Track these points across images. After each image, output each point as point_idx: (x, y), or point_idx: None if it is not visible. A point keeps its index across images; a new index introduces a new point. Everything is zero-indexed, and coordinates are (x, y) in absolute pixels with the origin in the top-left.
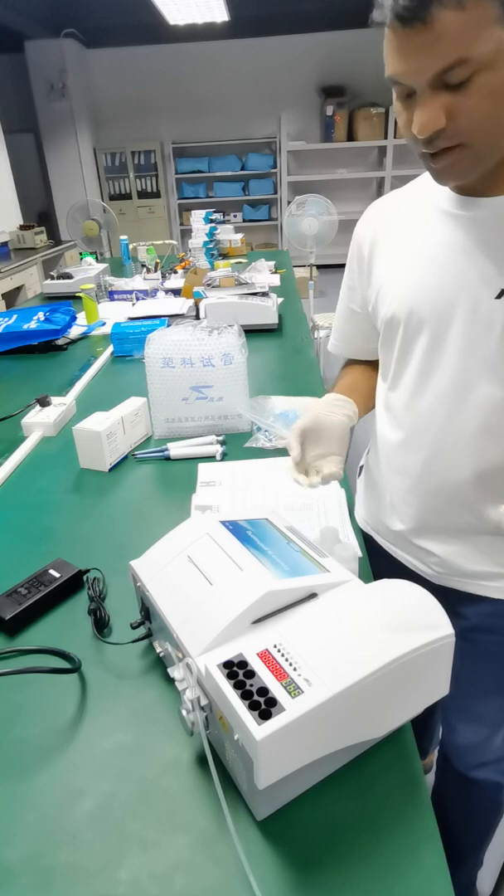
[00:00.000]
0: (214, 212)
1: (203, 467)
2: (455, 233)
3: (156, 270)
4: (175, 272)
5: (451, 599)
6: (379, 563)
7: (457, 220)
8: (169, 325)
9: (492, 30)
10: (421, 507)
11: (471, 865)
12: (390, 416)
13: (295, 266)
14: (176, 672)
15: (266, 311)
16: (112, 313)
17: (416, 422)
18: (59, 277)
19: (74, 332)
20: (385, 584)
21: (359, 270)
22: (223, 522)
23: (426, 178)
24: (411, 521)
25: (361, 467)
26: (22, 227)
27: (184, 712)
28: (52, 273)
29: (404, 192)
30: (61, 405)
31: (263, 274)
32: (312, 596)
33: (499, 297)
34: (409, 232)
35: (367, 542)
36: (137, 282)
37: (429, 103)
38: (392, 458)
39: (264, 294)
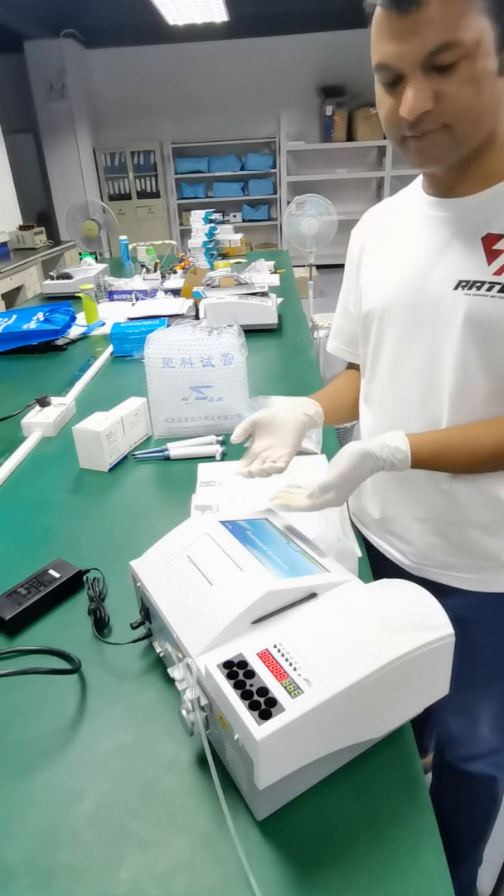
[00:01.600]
0: (214, 212)
1: (203, 467)
2: (428, 232)
3: (155, 270)
4: (174, 272)
5: (432, 591)
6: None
7: (429, 221)
8: (168, 326)
9: (477, 18)
10: (397, 495)
11: (470, 863)
12: (369, 408)
13: (294, 266)
14: (176, 672)
15: (266, 311)
16: (112, 313)
17: (391, 411)
18: (58, 278)
19: (74, 332)
20: (385, 584)
21: (351, 272)
22: (223, 522)
23: (413, 184)
24: (388, 508)
25: None
26: (21, 228)
27: (184, 712)
28: (51, 273)
29: (398, 198)
30: (61, 405)
31: (263, 274)
32: (312, 596)
33: (456, 287)
34: (394, 234)
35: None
36: (137, 282)
37: (419, 85)
38: None
39: (264, 294)
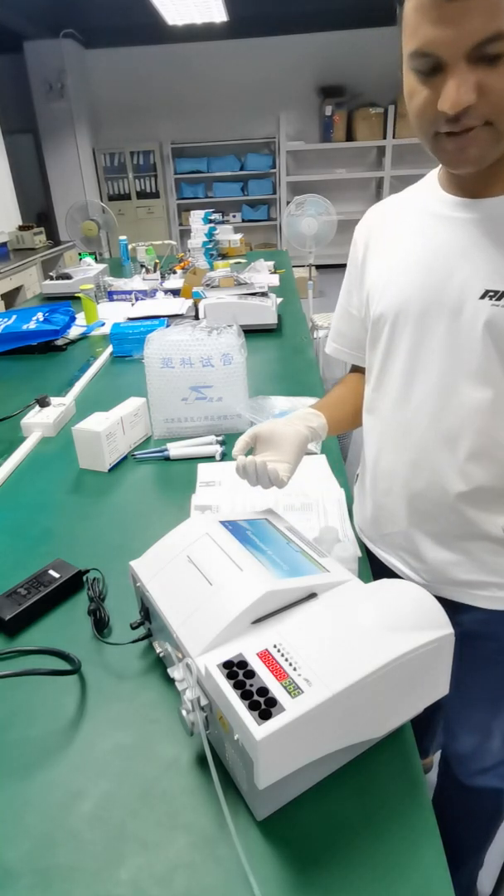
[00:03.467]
0: (213, 212)
1: (203, 467)
2: (447, 235)
3: (155, 271)
4: (174, 272)
5: (445, 608)
6: (372, 570)
7: (450, 223)
8: (168, 326)
9: None
10: (409, 511)
11: (471, 866)
12: (375, 419)
13: (294, 266)
14: (176, 672)
15: (265, 311)
16: (111, 314)
17: (402, 423)
18: (58, 278)
19: (74, 332)
20: (385, 583)
21: (354, 273)
22: (223, 522)
23: (423, 182)
24: (400, 525)
25: (358, 474)
26: (21, 228)
27: (184, 712)
28: (51, 273)
29: (401, 196)
30: (61, 405)
31: (262, 274)
32: (312, 596)
33: (482, 297)
34: (401, 235)
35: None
36: (137, 282)
37: (463, 76)
38: (379, 461)
39: (263, 294)
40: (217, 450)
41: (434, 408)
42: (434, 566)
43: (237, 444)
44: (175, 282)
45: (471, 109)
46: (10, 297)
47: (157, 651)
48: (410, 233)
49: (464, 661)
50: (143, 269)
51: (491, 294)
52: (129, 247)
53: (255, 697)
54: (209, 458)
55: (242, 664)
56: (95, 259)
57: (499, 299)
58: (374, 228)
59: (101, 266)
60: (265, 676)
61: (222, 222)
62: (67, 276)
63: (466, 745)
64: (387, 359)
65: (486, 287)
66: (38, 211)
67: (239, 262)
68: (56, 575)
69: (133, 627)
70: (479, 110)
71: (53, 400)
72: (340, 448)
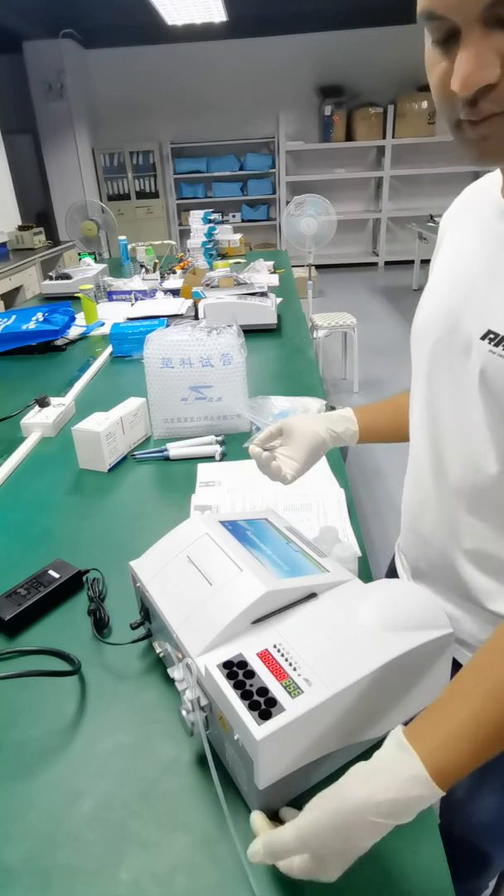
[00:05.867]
0: (213, 212)
1: (202, 467)
2: (484, 250)
3: (154, 271)
4: (174, 272)
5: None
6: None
7: (493, 236)
8: (168, 326)
9: None
10: (415, 550)
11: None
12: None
13: (293, 266)
14: (176, 672)
15: (265, 311)
16: (111, 314)
17: (418, 454)
18: (57, 278)
19: (73, 332)
20: (384, 583)
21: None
22: (222, 522)
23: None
24: (408, 564)
25: None
26: (20, 228)
27: (184, 712)
28: (50, 273)
29: (478, 187)
30: (60, 406)
31: (262, 274)
32: (312, 596)
33: (483, 337)
34: (459, 239)
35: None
36: (136, 282)
37: (479, 45)
38: (405, 490)
39: (263, 294)
40: (217, 450)
41: (442, 447)
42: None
43: (263, 433)
44: (174, 282)
45: (490, 91)
46: (10, 298)
47: (157, 651)
48: (465, 239)
49: None
50: (143, 270)
51: (491, 337)
52: (129, 247)
53: (255, 697)
54: (209, 459)
55: (242, 664)
56: (95, 259)
57: (497, 344)
58: (448, 223)
59: (101, 266)
60: (265, 676)
61: (222, 222)
62: (67, 277)
63: (490, 818)
64: (416, 380)
65: (487, 326)
66: (37, 211)
67: (238, 262)
68: (56, 575)
69: (133, 628)
70: (502, 92)
71: (53, 400)
72: (340, 448)
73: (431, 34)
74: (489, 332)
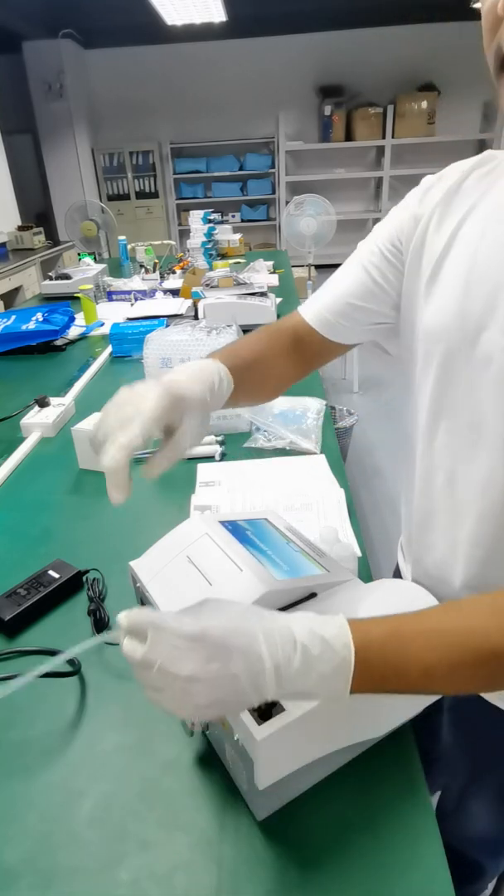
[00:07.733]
0: (213, 212)
1: (202, 467)
2: None
3: (154, 271)
4: (173, 272)
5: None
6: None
7: None
8: (167, 326)
9: None
10: (418, 551)
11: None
12: (410, 450)
13: (293, 266)
14: None
15: (264, 311)
16: (110, 314)
17: (428, 467)
18: (57, 278)
19: (73, 332)
20: (384, 583)
21: (395, 244)
22: (222, 522)
23: None
24: (411, 564)
25: None
26: (20, 228)
27: None
28: (50, 274)
29: (482, 171)
30: (60, 406)
31: (262, 274)
32: (312, 596)
33: None
34: (466, 224)
35: None
36: (136, 282)
37: None
38: (413, 496)
39: (263, 294)
40: (217, 450)
41: (455, 458)
42: None
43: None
44: (174, 282)
45: None
46: (10, 298)
47: None
48: (473, 228)
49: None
50: (143, 270)
51: None
52: (129, 247)
53: None
54: (209, 459)
55: None
56: (94, 259)
57: None
58: (440, 203)
59: (101, 266)
60: None
61: (221, 222)
62: (66, 277)
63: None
64: (422, 382)
65: None
66: (37, 211)
67: (238, 262)
68: (56, 575)
69: None
70: None
71: (53, 400)
72: (340, 448)
73: None
74: None
